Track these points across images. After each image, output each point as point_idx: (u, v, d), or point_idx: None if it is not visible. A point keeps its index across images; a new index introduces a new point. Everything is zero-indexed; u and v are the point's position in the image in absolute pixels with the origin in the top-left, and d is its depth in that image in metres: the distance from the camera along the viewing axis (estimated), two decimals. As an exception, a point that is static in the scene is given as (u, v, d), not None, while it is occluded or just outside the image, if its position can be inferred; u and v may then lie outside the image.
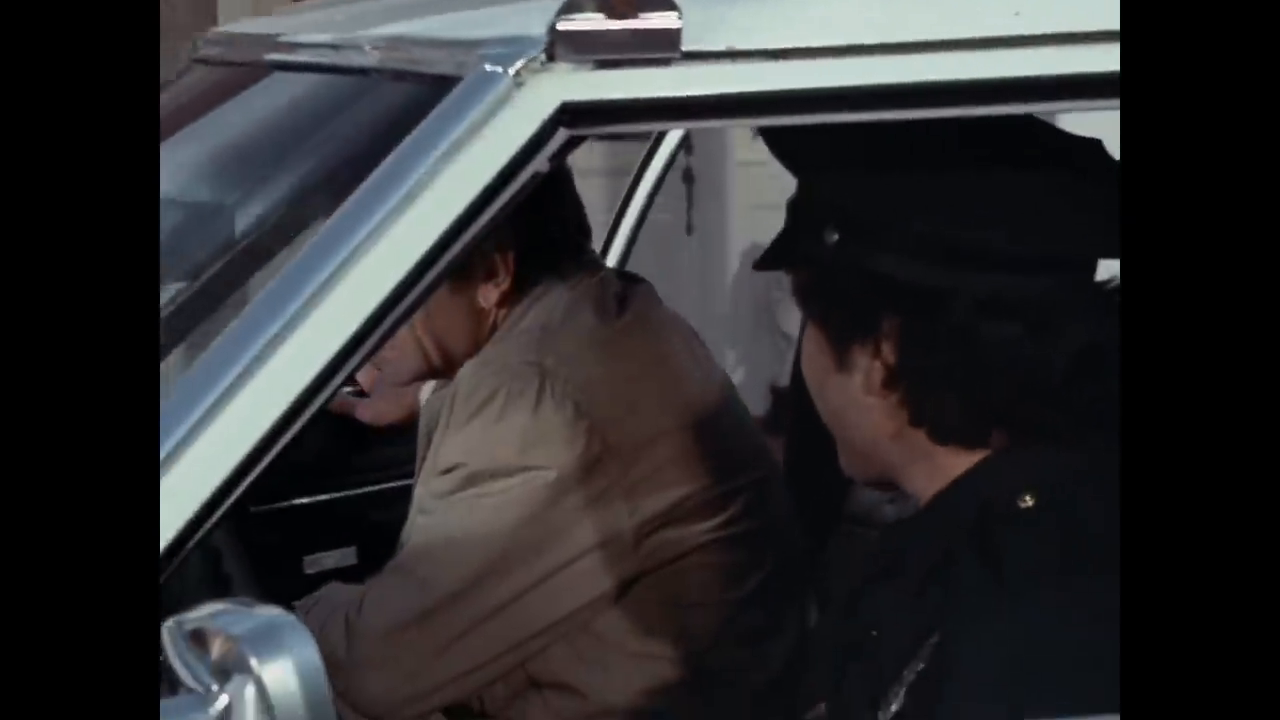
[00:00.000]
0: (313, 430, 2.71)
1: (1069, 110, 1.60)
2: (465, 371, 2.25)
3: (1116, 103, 1.50)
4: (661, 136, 3.26)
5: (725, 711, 2.19)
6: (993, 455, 1.71)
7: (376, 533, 2.72)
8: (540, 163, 1.53)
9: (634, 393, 2.24)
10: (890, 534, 1.86)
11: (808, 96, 1.54)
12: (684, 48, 1.51)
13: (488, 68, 1.52)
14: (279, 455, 2.36)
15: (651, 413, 2.24)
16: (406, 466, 2.80)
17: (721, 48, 1.52)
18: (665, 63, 1.52)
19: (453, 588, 2.14)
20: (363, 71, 1.67)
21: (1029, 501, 1.67)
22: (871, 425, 1.73)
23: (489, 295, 2.32)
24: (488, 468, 2.17)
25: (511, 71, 1.51)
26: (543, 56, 1.51)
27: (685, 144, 7.31)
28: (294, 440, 2.62)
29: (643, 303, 2.36)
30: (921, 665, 1.63)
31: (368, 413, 2.77)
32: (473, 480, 2.17)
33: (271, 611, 1.34)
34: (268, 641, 1.32)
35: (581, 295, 2.31)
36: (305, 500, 2.75)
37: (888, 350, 1.69)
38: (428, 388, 2.68)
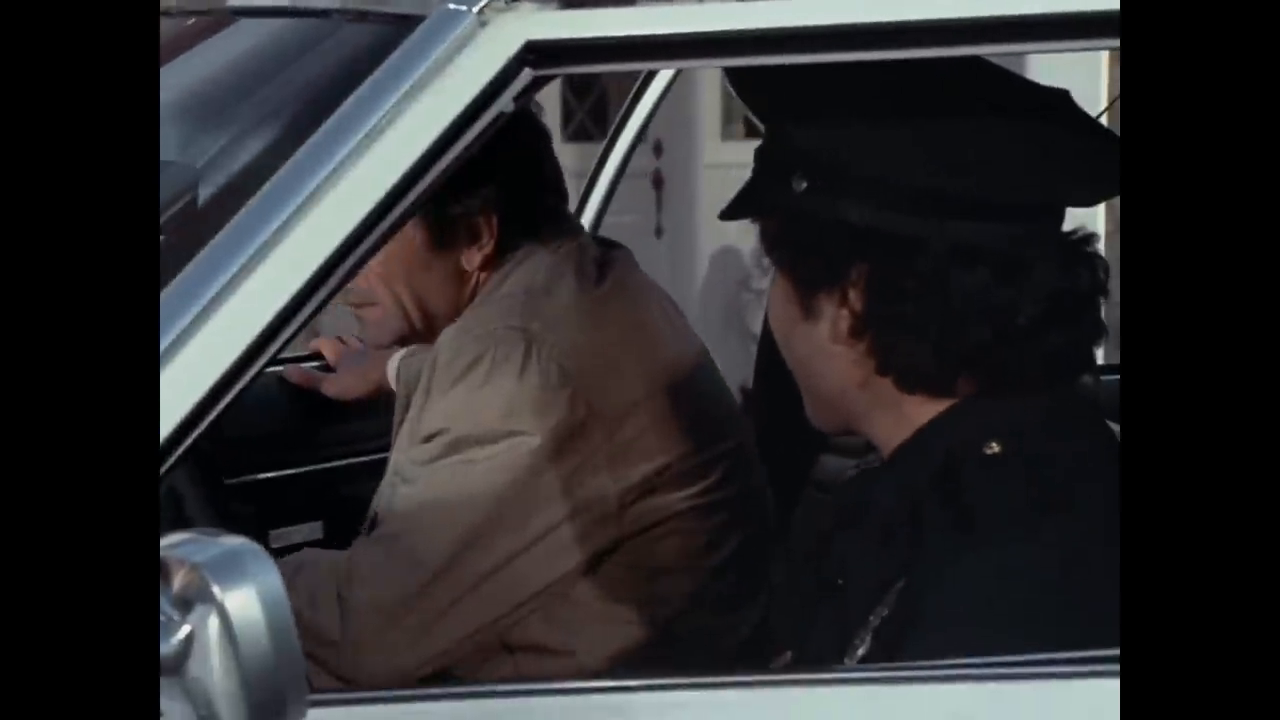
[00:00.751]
0: (279, 404, 2.75)
1: (1038, 51, 1.59)
2: (446, 336, 2.24)
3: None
4: (618, 133, 3.24)
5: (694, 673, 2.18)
6: (959, 403, 1.70)
7: (343, 507, 2.72)
8: (505, 102, 1.52)
9: (617, 359, 2.23)
10: (856, 483, 1.85)
11: (773, 36, 1.53)
12: (649, -13, 1.51)
13: (451, 6, 1.51)
14: (245, 425, 2.36)
15: (634, 379, 2.23)
16: (373, 441, 2.80)
17: (686, -13, 1.52)
18: (630, 1, 1.52)
19: (443, 558, 2.12)
20: (324, 13, 1.66)
21: (995, 448, 1.66)
22: (838, 374, 1.72)
23: (472, 258, 2.31)
24: (473, 433, 2.16)
25: (475, 10, 1.51)
26: (507, -6, 1.51)
27: (655, 147, 7.37)
28: (259, 412, 2.62)
29: (622, 269, 2.35)
30: (887, 610, 1.63)
31: (334, 387, 2.76)
32: (457, 446, 2.16)
33: (235, 540, 1.32)
34: (230, 569, 1.30)
35: (563, 260, 2.30)
36: (272, 474, 2.74)
37: (855, 298, 1.69)
38: (394, 361, 2.68)
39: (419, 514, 2.16)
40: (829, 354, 1.72)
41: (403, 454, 2.24)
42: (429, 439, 2.19)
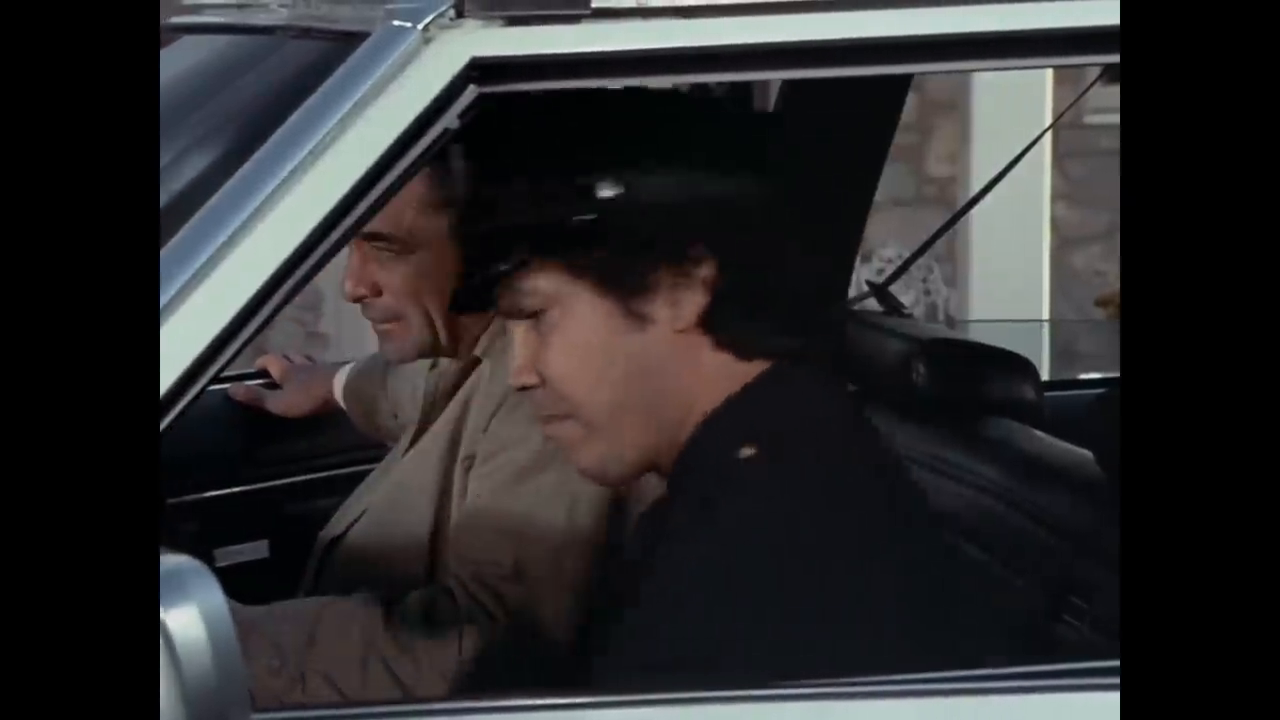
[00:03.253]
0: (224, 421, 2.74)
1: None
2: (506, 354, 2.23)
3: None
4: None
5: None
6: (730, 400, 1.70)
7: (289, 525, 2.71)
8: (450, 119, 1.52)
9: None
10: (653, 515, 1.85)
11: (716, 54, 1.54)
12: (594, 4, 1.51)
13: (396, 23, 1.51)
14: (189, 442, 2.35)
15: None
16: (318, 459, 2.79)
17: (631, 5, 1.52)
18: (575, 19, 1.52)
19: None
20: (269, 30, 1.66)
21: (749, 452, 1.66)
22: (673, 369, 1.71)
23: None
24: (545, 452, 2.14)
25: (420, 27, 1.51)
26: (452, 12, 1.51)
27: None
28: (204, 430, 2.61)
29: None
30: (623, 630, 1.66)
31: (279, 404, 2.75)
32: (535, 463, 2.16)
33: (177, 558, 1.32)
34: (173, 588, 1.30)
35: None
36: (217, 492, 2.73)
37: (703, 275, 1.68)
38: (340, 377, 2.68)
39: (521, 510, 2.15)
40: (667, 350, 1.70)
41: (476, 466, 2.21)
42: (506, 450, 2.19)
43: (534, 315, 1.72)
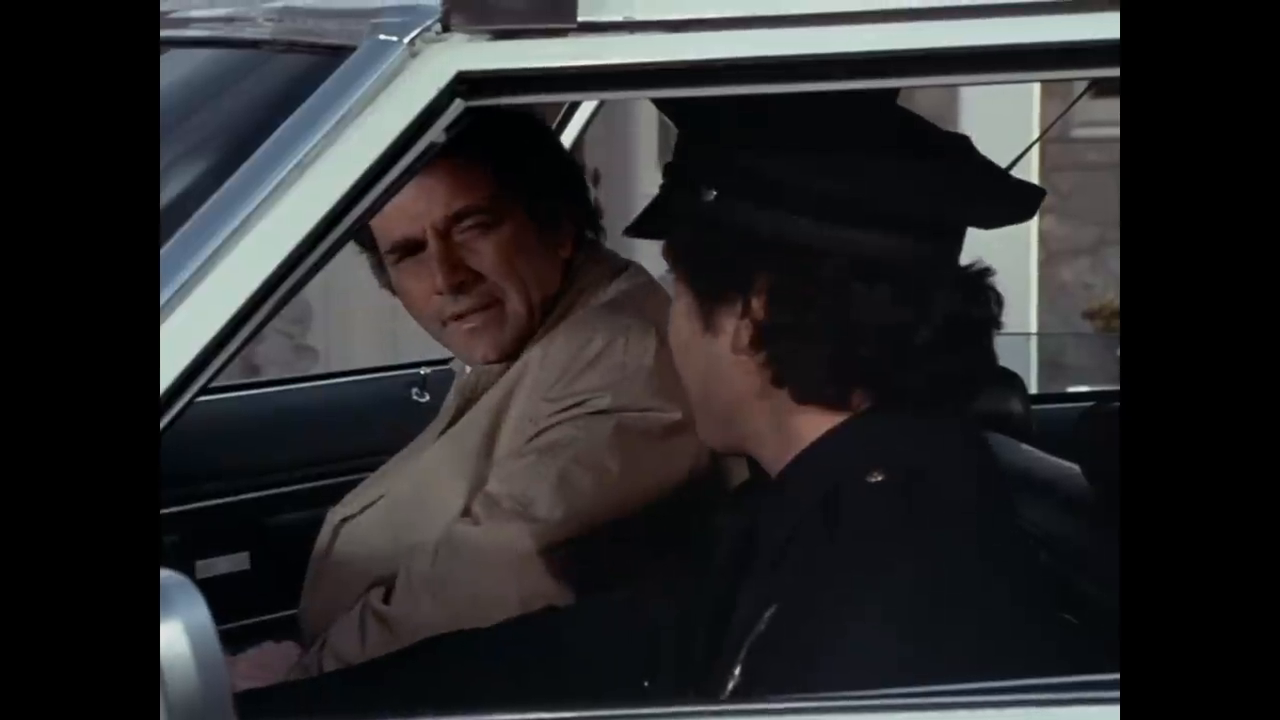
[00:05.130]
0: (204, 434, 2.74)
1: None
2: (556, 338, 2.27)
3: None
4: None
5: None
6: (846, 424, 1.70)
7: (269, 537, 2.71)
8: (436, 133, 1.52)
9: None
10: (742, 508, 1.84)
11: (704, 68, 1.54)
12: (580, 18, 1.51)
13: (382, 37, 1.51)
14: (169, 456, 2.35)
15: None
16: (298, 471, 2.79)
17: (618, 18, 1.52)
18: (562, 33, 1.52)
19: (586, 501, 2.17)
20: (255, 44, 1.66)
21: (878, 477, 1.66)
22: (735, 387, 1.72)
23: (566, 251, 2.34)
24: (619, 402, 2.20)
25: (406, 41, 1.50)
26: (438, 26, 1.50)
27: (593, 177, 7.39)
28: (187, 442, 2.60)
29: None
30: (756, 637, 1.62)
31: None
32: (607, 412, 2.20)
33: (162, 573, 1.31)
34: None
35: (638, 277, 2.36)
36: (197, 505, 2.72)
37: (757, 307, 1.68)
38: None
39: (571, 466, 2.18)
40: (728, 365, 1.71)
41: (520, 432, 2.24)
42: (568, 409, 2.21)
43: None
